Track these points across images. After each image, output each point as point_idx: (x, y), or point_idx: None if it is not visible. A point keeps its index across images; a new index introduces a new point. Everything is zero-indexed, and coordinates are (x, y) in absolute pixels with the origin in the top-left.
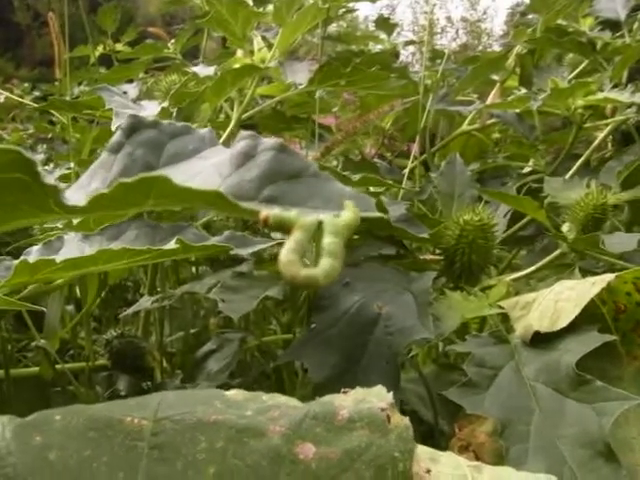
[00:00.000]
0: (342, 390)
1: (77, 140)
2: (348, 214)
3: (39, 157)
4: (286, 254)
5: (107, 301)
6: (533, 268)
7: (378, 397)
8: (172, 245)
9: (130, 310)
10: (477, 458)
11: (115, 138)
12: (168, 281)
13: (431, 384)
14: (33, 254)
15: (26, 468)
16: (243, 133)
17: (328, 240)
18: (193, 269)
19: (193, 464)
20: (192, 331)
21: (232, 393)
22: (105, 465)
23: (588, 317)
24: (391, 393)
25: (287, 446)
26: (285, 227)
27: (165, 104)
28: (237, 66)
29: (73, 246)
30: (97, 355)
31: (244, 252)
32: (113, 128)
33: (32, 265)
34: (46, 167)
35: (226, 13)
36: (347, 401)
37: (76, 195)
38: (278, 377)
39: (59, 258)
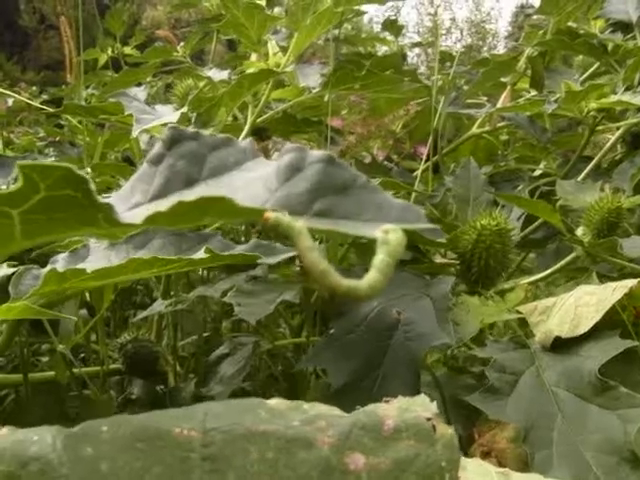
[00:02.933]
0: (384, 399)
1: (87, 144)
2: (399, 234)
3: (48, 160)
4: (317, 264)
5: (116, 304)
6: (548, 272)
7: (422, 406)
8: (201, 254)
9: (144, 314)
10: (499, 464)
11: (155, 149)
12: (179, 284)
13: (443, 387)
14: (60, 262)
15: (79, 479)
16: (288, 146)
17: (380, 257)
18: (201, 272)
19: (245, 475)
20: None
21: (274, 402)
22: (157, 477)
23: (608, 322)
24: (435, 402)
25: (337, 457)
26: (283, 231)
27: (184, 109)
28: (254, 71)
29: (100, 254)
30: (110, 359)
31: (271, 261)
32: (134, 134)
33: (61, 275)
34: None
35: (242, 17)
36: (391, 411)
37: (119, 208)
38: (290, 381)
39: (89, 268)
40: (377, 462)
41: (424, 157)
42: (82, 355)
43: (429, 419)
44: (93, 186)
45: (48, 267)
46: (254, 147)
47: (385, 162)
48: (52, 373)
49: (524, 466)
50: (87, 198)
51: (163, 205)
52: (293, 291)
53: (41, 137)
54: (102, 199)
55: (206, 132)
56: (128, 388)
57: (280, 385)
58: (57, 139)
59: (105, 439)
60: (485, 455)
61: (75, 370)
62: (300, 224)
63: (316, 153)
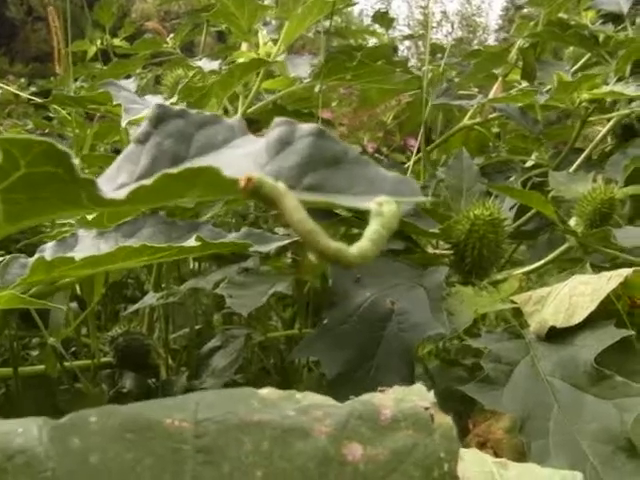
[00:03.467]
0: (379, 389)
1: (76, 136)
2: (393, 206)
3: None
4: (304, 225)
5: (107, 298)
6: (541, 262)
7: (419, 396)
8: (192, 242)
9: (135, 307)
10: (496, 454)
11: (142, 128)
12: (170, 277)
13: (435, 380)
14: (48, 251)
15: (67, 472)
16: (277, 120)
17: (373, 228)
18: (192, 264)
19: (240, 467)
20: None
21: (266, 392)
22: (149, 469)
23: (602, 312)
24: (432, 392)
25: (334, 447)
26: (266, 194)
27: (173, 99)
28: (245, 60)
29: (88, 243)
30: (101, 352)
31: (263, 249)
32: (123, 124)
33: (49, 263)
34: None
35: (232, 6)
36: (388, 400)
37: (106, 188)
38: (282, 374)
39: (77, 256)
40: (375, 453)
41: (415, 149)
42: (73, 348)
43: (427, 408)
44: (75, 161)
45: (36, 256)
46: (242, 124)
47: (375, 154)
48: (42, 367)
49: (520, 456)
50: (69, 173)
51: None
52: (285, 282)
53: (29, 129)
54: (85, 175)
55: (193, 110)
56: (119, 381)
57: (272, 378)
58: (45, 131)
59: (94, 430)
60: (481, 445)
61: (66, 364)
62: (283, 186)
63: (306, 126)
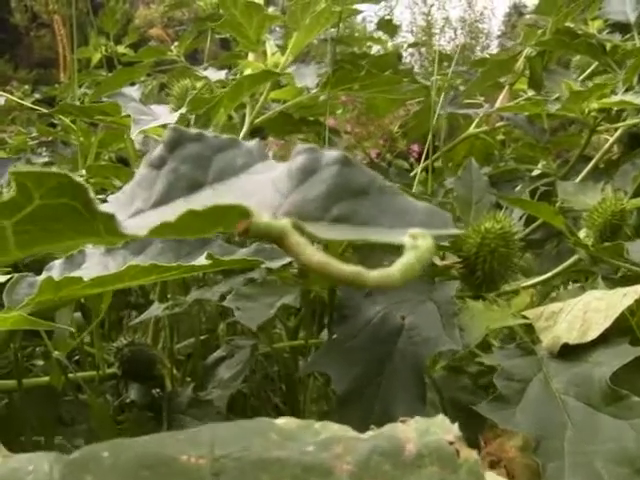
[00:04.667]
0: (400, 419)
1: (81, 143)
2: (429, 240)
3: (41, 160)
4: (310, 256)
5: (111, 305)
6: (550, 274)
7: (442, 428)
8: (202, 261)
9: (140, 318)
10: (509, 474)
11: (157, 152)
12: (175, 285)
13: (441, 388)
14: (55, 270)
15: None
16: (300, 147)
17: (406, 260)
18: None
19: None
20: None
21: (283, 422)
22: None
23: (616, 327)
24: (456, 425)
25: None
26: (269, 234)
27: (183, 110)
28: (254, 72)
29: (96, 260)
30: (105, 362)
31: (274, 265)
32: (132, 136)
33: (57, 283)
34: None
35: (240, 17)
36: (410, 433)
37: (119, 216)
38: (287, 381)
39: (86, 276)
40: None
41: (422, 157)
42: (76, 357)
43: (452, 443)
44: (92, 195)
45: (43, 275)
46: (262, 148)
47: (378, 160)
48: (47, 378)
49: (534, 475)
50: (86, 207)
51: (169, 214)
52: (292, 295)
53: (34, 137)
54: (102, 208)
55: (210, 133)
56: (124, 392)
57: (276, 385)
58: (50, 139)
59: (106, 466)
60: (494, 464)
61: (70, 375)
62: (283, 222)
63: (331, 154)
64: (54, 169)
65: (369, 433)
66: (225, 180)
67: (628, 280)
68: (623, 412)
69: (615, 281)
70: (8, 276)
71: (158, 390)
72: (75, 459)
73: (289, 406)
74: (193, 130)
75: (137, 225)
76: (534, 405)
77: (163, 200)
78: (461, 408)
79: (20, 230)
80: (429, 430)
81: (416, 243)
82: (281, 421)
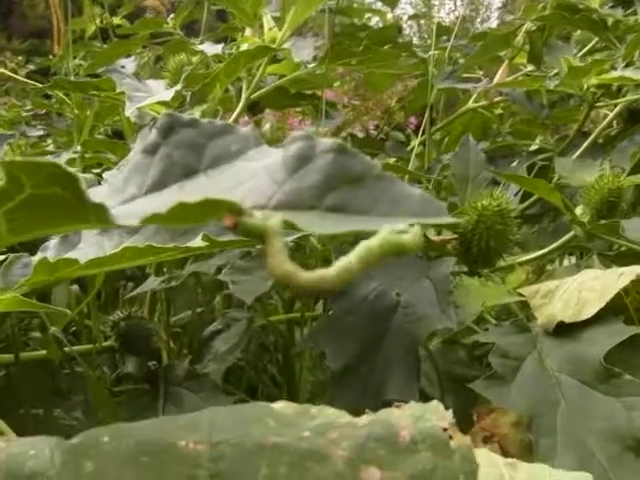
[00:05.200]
0: (395, 404)
1: (76, 116)
2: (408, 237)
3: (36, 133)
4: (279, 268)
5: (107, 277)
6: (546, 250)
7: (437, 414)
8: (199, 242)
9: (136, 291)
10: (502, 449)
11: (150, 139)
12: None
13: (437, 361)
14: (51, 250)
15: None
16: (295, 134)
17: (367, 243)
18: None
19: None
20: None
21: (280, 406)
22: None
23: (611, 307)
24: (450, 411)
25: (352, 472)
26: (256, 233)
27: (178, 87)
28: (250, 47)
29: (91, 240)
30: (102, 334)
31: None
32: (127, 113)
33: (53, 264)
34: (46, 144)
35: None
36: (405, 419)
37: (112, 202)
38: (282, 350)
39: (81, 257)
40: (393, 476)
41: (420, 131)
42: (74, 329)
43: (445, 429)
44: (84, 185)
45: (38, 255)
46: (257, 134)
47: (376, 133)
48: (44, 352)
49: (527, 452)
50: (77, 198)
51: (162, 202)
52: None
53: (28, 109)
54: (94, 198)
55: (204, 119)
56: (121, 365)
57: (272, 355)
58: (44, 112)
59: (107, 452)
60: (487, 440)
61: (67, 349)
62: (272, 222)
63: (326, 142)
64: (48, 159)
65: (364, 418)
66: (219, 167)
67: (623, 256)
68: (615, 390)
69: (610, 257)
70: (2, 256)
71: (154, 362)
72: (75, 444)
73: (285, 376)
74: (187, 116)
75: (128, 213)
76: (528, 383)
77: (157, 186)
78: (456, 380)
79: (11, 218)
80: (424, 416)
81: (387, 234)
82: (278, 405)
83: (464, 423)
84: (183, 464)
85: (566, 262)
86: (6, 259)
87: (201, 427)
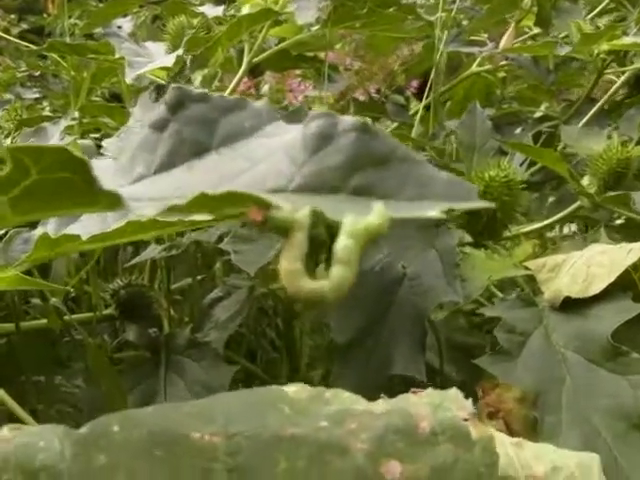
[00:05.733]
0: (411, 390)
1: (72, 78)
2: (372, 219)
3: (32, 95)
4: (288, 264)
5: None
6: (550, 221)
7: (456, 403)
8: (204, 215)
9: (137, 259)
10: (506, 425)
11: (158, 114)
12: None
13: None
14: (51, 224)
15: None
16: (315, 112)
17: (342, 244)
18: None
19: None
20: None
21: (293, 390)
22: None
23: (618, 283)
24: (470, 401)
25: (372, 466)
26: (284, 228)
27: (179, 52)
28: (253, 10)
29: (95, 214)
30: (102, 301)
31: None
32: (128, 80)
33: (54, 240)
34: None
35: None
36: (424, 408)
37: (120, 182)
38: (282, 315)
39: (84, 231)
40: (414, 469)
41: (421, 94)
42: (74, 295)
43: (466, 420)
44: (94, 170)
45: (39, 229)
46: (271, 109)
47: (378, 97)
48: (44, 321)
49: (531, 428)
50: (88, 183)
51: (172, 185)
52: None
53: (23, 70)
54: (105, 183)
55: (215, 94)
56: (121, 333)
57: (271, 320)
58: (39, 73)
59: (118, 443)
60: (492, 416)
61: (67, 318)
62: (300, 216)
63: (349, 120)
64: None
65: (381, 406)
66: (232, 144)
67: (629, 228)
68: (622, 368)
69: (615, 228)
70: (2, 231)
71: (155, 330)
72: (85, 435)
73: (285, 340)
74: (197, 90)
75: (144, 206)
76: (534, 358)
77: (166, 165)
78: (458, 348)
79: (17, 203)
80: (442, 405)
81: (352, 221)
82: (292, 389)
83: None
84: (198, 457)
85: (566, 230)
86: (6, 234)
87: (215, 417)
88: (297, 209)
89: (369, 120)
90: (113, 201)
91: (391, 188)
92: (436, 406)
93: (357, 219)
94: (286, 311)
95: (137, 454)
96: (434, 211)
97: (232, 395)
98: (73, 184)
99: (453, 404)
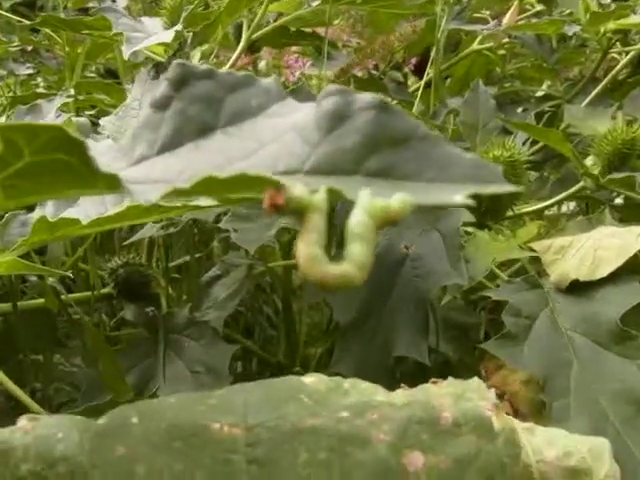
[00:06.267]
0: (431, 380)
1: (67, 54)
2: (393, 202)
3: (25, 71)
4: (307, 249)
5: None
6: (553, 201)
7: (478, 393)
8: (208, 200)
9: (134, 238)
10: (512, 408)
11: (161, 91)
12: None
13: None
14: (49, 207)
15: None
16: (330, 88)
17: (357, 219)
18: None
19: None
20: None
21: (312, 380)
22: None
23: (624, 266)
24: (492, 390)
25: (395, 457)
26: (300, 212)
27: (178, 27)
28: None
29: (93, 196)
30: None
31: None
32: (126, 56)
33: (52, 224)
34: (36, 83)
35: None
36: (445, 398)
37: (120, 163)
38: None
39: (82, 216)
40: (436, 461)
41: (420, 72)
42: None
43: (489, 410)
44: (91, 150)
45: (37, 212)
46: (280, 86)
47: (377, 73)
48: (42, 300)
49: (537, 411)
50: (85, 165)
51: (176, 167)
52: None
53: (15, 45)
54: (104, 165)
55: (221, 70)
56: (119, 312)
57: (268, 296)
58: (32, 48)
59: (137, 436)
60: (497, 398)
61: (64, 297)
62: (317, 198)
63: (365, 97)
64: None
65: (401, 397)
66: (239, 123)
67: (630, 208)
68: (631, 352)
69: (616, 208)
70: None
71: (153, 309)
72: (104, 427)
73: (283, 318)
74: (202, 66)
75: (146, 190)
76: (541, 342)
77: (170, 146)
78: (454, 326)
79: (9, 185)
80: (464, 395)
81: (369, 198)
82: (309, 380)
83: (463, 371)
84: (218, 449)
85: (564, 208)
86: (2, 217)
87: (235, 408)
88: (313, 191)
89: None
90: (112, 183)
91: (411, 169)
92: (458, 396)
93: (374, 197)
94: (284, 288)
95: (156, 446)
96: (458, 196)
97: (251, 386)
98: (69, 166)
99: (475, 394)
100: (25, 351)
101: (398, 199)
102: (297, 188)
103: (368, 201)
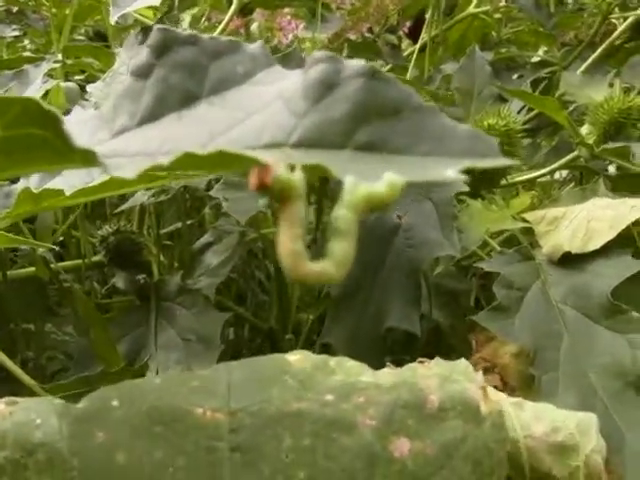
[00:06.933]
0: (418, 360)
1: (53, 15)
2: (378, 187)
3: (11, 33)
4: (290, 245)
5: None
6: (547, 170)
7: (465, 376)
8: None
9: (125, 205)
10: (502, 380)
11: (142, 59)
12: None
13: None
14: (34, 178)
15: (93, 473)
16: (317, 55)
17: (340, 213)
18: None
19: (280, 468)
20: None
21: (297, 359)
22: (183, 471)
23: (618, 238)
24: (480, 373)
25: (381, 442)
26: (284, 194)
27: None
28: None
29: None
30: (91, 246)
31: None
32: (112, 20)
33: (37, 195)
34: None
35: None
36: (432, 380)
37: (101, 135)
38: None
39: (67, 186)
40: (422, 447)
41: (415, 35)
42: (61, 239)
43: (475, 394)
44: (66, 124)
45: (20, 184)
46: (267, 52)
47: (372, 36)
48: (32, 269)
49: (527, 384)
50: (60, 139)
51: (157, 139)
52: None
53: (0, 6)
54: (79, 139)
55: (205, 36)
56: (110, 279)
57: (260, 262)
58: (18, 9)
59: (117, 420)
60: (487, 370)
61: (55, 265)
62: (295, 179)
63: (354, 65)
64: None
65: (388, 377)
66: (224, 92)
67: (624, 178)
68: (621, 326)
69: (609, 177)
70: None
71: (144, 277)
72: (83, 411)
73: (274, 283)
74: (185, 31)
75: (123, 165)
76: (532, 314)
77: (151, 116)
78: (445, 293)
79: None
80: (451, 377)
81: (351, 189)
82: (294, 357)
83: (454, 338)
84: (201, 435)
85: (557, 175)
86: None
87: (218, 390)
88: (292, 167)
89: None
90: (87, 158)
91: (403, 142)
92: (445, 378)
93: (358, 185)
94: (276, 254)
95: (136, 431)
96: (452, 170)
97: (235, 366)
98: (44, 140)
99: (462, 376)
100: (16, 320)
101: (387, 181)
102: (280, 168)
103: (353, 191)
